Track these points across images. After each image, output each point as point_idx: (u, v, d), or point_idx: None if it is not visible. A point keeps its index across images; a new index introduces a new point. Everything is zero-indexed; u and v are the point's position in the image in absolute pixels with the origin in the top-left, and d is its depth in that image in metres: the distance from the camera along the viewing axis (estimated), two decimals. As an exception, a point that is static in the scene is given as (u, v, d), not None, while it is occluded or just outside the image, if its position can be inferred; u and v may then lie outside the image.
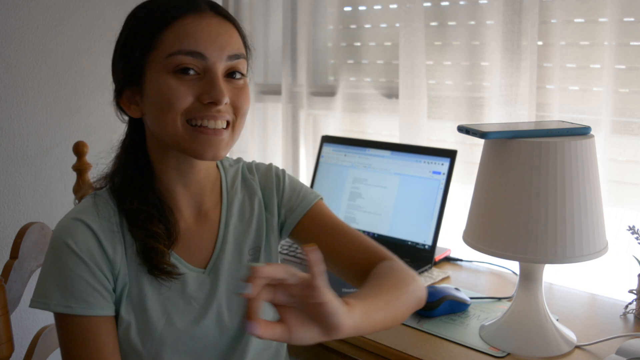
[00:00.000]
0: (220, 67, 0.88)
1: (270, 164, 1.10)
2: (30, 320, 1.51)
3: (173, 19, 0.87)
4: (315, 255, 0.68)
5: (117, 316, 0.91)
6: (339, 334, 0.72)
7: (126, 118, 0.96)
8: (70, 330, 0.87)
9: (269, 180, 1.06)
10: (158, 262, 0.90)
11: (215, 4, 0.92)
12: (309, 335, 0.71)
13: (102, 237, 0.89)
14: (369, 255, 0.99)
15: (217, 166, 1.04)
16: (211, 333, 0.94)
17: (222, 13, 0.91)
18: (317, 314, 0.70)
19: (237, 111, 0.91)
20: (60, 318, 0.88)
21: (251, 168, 1.08)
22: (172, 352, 0.91)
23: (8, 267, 1.05)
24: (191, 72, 0.87)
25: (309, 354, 1.27)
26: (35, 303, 0.88)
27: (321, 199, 1.06)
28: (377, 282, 0.89)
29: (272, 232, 1.04)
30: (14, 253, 1.06)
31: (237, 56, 0.90)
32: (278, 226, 1.05)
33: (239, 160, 1.09)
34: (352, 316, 0.74)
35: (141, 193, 0.93)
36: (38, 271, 1.12)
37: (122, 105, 0.93)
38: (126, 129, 0.98)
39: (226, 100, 0.87)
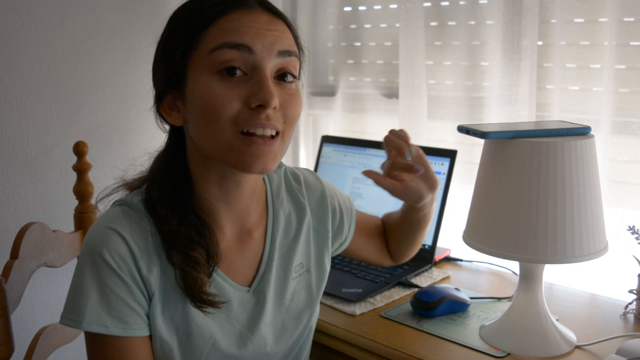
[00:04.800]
0: (270, 64, 0.80)
1: (317, 176, 1.06)
2: (30, 320, 1.51)
3: (218, 15, 0.79)
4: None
5: (152, 333, 0.85)
6: (437, 187, 1.04)
7: (167, 127, 0.89)
8: (105, 351, 0.81)
9: (322, 195, 1.03)
10: (199, 292, 0.83)
11: (266, 1, 0.84)
12: (419, 186, 1.01)
13: (137, 252, 0.82)
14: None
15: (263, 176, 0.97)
16: (256, 355, 0.91)
17: (272, 9, 0.84)
18: (424, 176, 1.02)
19: (288, 119, 0.82)
20: (93, 337, 0.82)
21: (297, 176, 1.02)
22: None
23: (8, 267, 1.05)
24: (237, 72, 0.78)
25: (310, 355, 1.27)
26: (67, 320, 0.81)
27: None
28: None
29: (327, 251, 1.02)
30: (14, 253, 1.06)
31: (288, 53, 0.82)
32: (332, 245, 1.04)
33: (280, 164, 1.00)
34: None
35: (180, 211, 0.84)
36: (38, 271, 1.12)
37: (162, 113, 0.85)
38: (166, 139, 0.90)
39: (275, 102, 0.78)
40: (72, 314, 0.81)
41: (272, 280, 0.93)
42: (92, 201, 1.29)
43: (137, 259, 0.82)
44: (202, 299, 0.83)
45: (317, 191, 1.03)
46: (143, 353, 0.83)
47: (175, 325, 0.85)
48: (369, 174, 0.97)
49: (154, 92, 0.85)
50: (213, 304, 0.84)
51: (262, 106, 0.78)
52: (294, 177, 1.01)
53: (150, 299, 0.83)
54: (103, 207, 0.90)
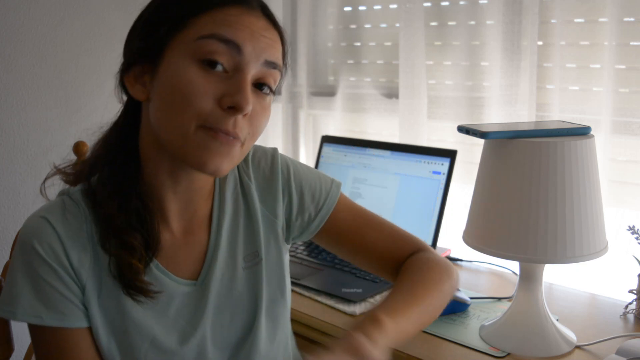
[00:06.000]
0: (253, 70, 0.76)
1: (273, 153, 0.94)
2: (30, 320, 1.50)
3: (216, 4, 0.76)
4: None
5: (91, 327, 0.81)
6: None
7: (125, 98, 0.84)
8: (44, 342, 0.79)
9: (271, 176, 0.92)
10: (132, 279, 0.79)
11: (268, 7, 0.81)
12: None
13: (68, 242, 0.79)
14: (400, 245, 0.94)
15: None
16: (200, 352, 0.85)
17: (271, 17, 0.81)
18: None
19: (253, 129, 0.78)
20: (32, 328, 0.80)
21: (247, 157, 0.92)
22: None
23: (8, 267, 1.05)
24: (219, 67, 0.74)
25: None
26: (1, 311, 0.78)
27: (340, 185, 0.96)
28: (410, 284, 0.86)
29: (275, 237, 0.92)
30: (14, 253, 1.06)
31: (274, 65, 0.78)
32: (286, 231, 0.93)
33: None
34: (382, 344, 0.75)
35: (122, 194, 0.80)
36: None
37: (125, 82, 0.80)
38: (120, 112, 0.85)
39: (249, 110, 0.74)
40: (6, 304, 0.78)
41: (217, 271, 0.86)
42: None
43: (67, 249, 0.78)
44: (134, 286, 0.79)
45: (266, 169, 0.92)
46: (83, 344, 0.80)
47: (111, 319, 0.81)
48: None
49: (122, 60, 0.81)
50: (146, 292, 0.80)
51: (234, 109, 0.74)
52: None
53: (83, 290, 0.80)
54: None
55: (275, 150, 0.95)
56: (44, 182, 0.88)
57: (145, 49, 0.78)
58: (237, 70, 0.75)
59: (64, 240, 0.79)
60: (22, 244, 0.79)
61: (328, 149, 1.72)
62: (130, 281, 0.79)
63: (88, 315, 0.81)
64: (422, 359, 1.06)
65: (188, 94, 0.73)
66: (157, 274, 0.83)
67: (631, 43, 1.35)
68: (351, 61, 1.89)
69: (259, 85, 0.78)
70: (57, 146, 1.60)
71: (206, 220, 0.88)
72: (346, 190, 1.64)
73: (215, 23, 0.75)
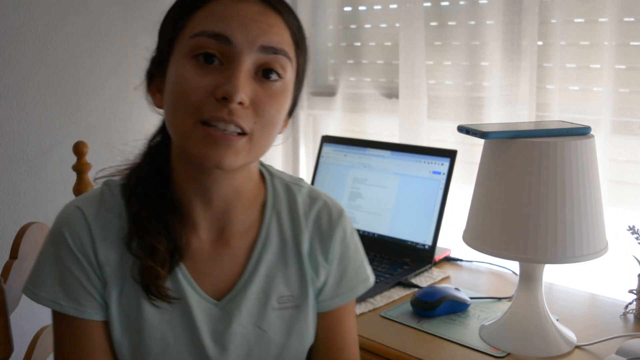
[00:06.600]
0: (248, 59, 0.73)
1: (338, 214, 0.89)
2: (30, 320, 1.50)
3: (205, 0, 0.75)
4: None
5: (110, 332, 0.82)
6: None
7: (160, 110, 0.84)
8: (61, 328, 0.82)
9: (329, 236, 0.88)
10: (151, 283, 0.79)
11: None
12: None
13: (97, 236, 0.80)
14: None
15: (265, 181, 0.89)
16: None
17: (270, 1, 0.77)
18: None
19: (260, 119, 0.75)
20: (53, 313, 0.82)
21: (314, 202, 0.89)
22: None
23: (8, 267, 1.05)
24: (215, 60, 0.73)
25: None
26: (26, 290, 0.81)
27: (368, 286, 0.92)
28: None
29: (312, 291, 0.88)
30: (14, 253, 1.06)
31: (274, 50, 0.75)
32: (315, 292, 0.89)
33: (301, 183, 0.91)
34: None
35: (151, 199, 0.81)
36: (38, 271, 1.13)
37: (150, 94, 0.82)
38: (159, 125, 0.86)
39: (241, 97, 0.72)
40: (31, 284, 0.81)
41: (245, 303, 0.83)
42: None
43: (95, 242, 0.80)
44: (153, 291, 0.79)
45: (325, 226, 0.88)
46: (97, 337, 0.81)
47: (127, 316, 0.81)
48: None
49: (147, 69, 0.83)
50: (164, 298, 0.79)
51: (226, 99, 0.72)
52: (310, 202, 0.89)
53: (105, 285, 0.81)
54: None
55: (341, 211, 0.91)
56: (103, 177, 0.88)
57: (157, 59, 0.80)
58: (230, 60, 0.73)
59: (94, 233, 0.80)
60: (54, 230, 0.81)
61: (328, 149, 1.72)
62: (150, 284, 0.79)
63: (107, 310, 0.81)
64: (422, 359, 1.06)
65: (184, 90, 0.73)
66: (182, 280, 0.82)
67: (631, 43, 1.35)
68: (351, 61, 1.89)
69: (266, 72, 0.75)
70: (57, 146, 1.60)
71: (244, 241, 0.86)
72: (346, 190, 1.64)
73: (205, 19, 0.74)
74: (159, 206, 0.81)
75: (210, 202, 0.82)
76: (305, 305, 0.87)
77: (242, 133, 0.74)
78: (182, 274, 0.82)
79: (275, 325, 0.86)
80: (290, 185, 0.90)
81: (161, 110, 0.81)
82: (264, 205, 0.87)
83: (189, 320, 0.82)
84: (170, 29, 0.77)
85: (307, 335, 0.89)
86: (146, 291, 0.79)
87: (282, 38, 0.76)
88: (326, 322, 0.90)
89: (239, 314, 0.83)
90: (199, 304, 0.83)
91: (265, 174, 0.90)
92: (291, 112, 0.85)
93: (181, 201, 0.82)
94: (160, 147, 0.85)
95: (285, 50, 0.76)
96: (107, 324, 0.82)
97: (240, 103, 0.72)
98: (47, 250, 0.81)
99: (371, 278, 0.93)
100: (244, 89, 0.72)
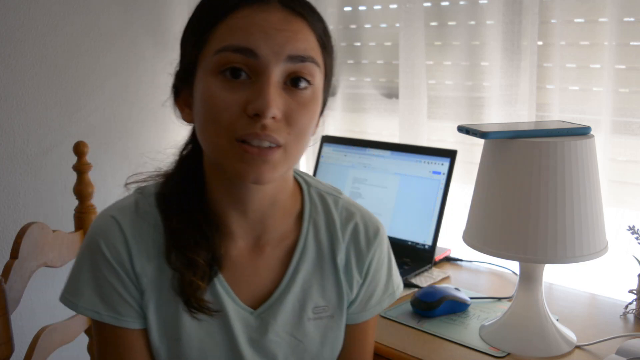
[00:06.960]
0: (277, 70, 0.71)
1: (376, 230, 0.89)
2: (30, 321, 1.50)
3: (228, 11, 0.72)
4: None
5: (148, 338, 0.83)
6: None
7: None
8: (102, 336, 0.82)
9: (366, 251, 0.88)
10: (192, 296, 0.79)
11: None
12: None
13: (133, 247, 0.80)
14: None
15: (302, 190, 0.88)
16: None
17: (291, 5, 0.74)
18: None
19: (293, 130, 0.73)
20: (93, 321, 0.82)
21: (351, 215, 0.89)
22: None
23: (8, 267, 1.05)
24: (242, 75, 0.71)
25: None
26: (65, 299, 0.81)
27: (393, 300, 0.93)
28: None
29: (346, 302, 0.88)
30: (14, 253, 1.06)
31: (301, 58, 0.73)
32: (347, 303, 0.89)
33: (337, 194, 0.91)
34: None
35: (187, 210, 0.80)
36: (38, 271, 1.12)
37: (177, 108, 0.81)
38: (189, 135, 0.85)
39: (273, 113, 0.70)
40: (70, 294, 0.81)
41: (281, 312, 0.84)
42: (92, 201, 1.29)
43: (132, 253, 0.80)
44: (193, 304, 0.79)
45: (363, 241, 0.88)
46: (137, 345, 0.82)
47: (165, 325, 0.82)
48: None
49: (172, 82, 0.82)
50: (204, 311, 0.80)
51: (259, 115, 0.70)
52: (347, 216, 0.89)
53: (142, 294, 0.81)
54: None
55: (378, 228, 0.90)
56: (136, 181, 0.87)
57: (183, 73, 0.78)
58: (258, 74, 0.71)
59: (130, 244, 0.80)
60: (90, 240, 0.81)
61: (328, 149, 1.72)
62: (190, 297, 0.79)
63: (145, 318, 0.82)
64: (422, 359, 1.06)
65: (215, 108, 0.72)
66: (220, 291, 0.82)
67: (631, 43, 1.35)
68: (351, 61, 1.89)
69: (295, 80, 0.73)
70: (57, 146, 1.60)
71: (281, 249, 0.86)
72: (346, 190, 1.64)
73: (228, 33, 0.72)
74: (196, 218, 0.80)
75: (245, 212, 0.82)
76: (340, 316, 0.88)
77: (277, 145, 0.73)
78: (220, 284, 0.82)
79: (310, 334, 0.86)
80: (326, 195, 0.90)
81: (182, 120, 0.81)
82: (300, 215, 0.87)
83: (227, 329, 0.82)
84: (193, 45, 0.75)
85: (339, 344, 0.90)
86: (187, 304, 0.79)
87: (309, 44, 0.75)
88: (351, 333, 0.91)
89: (274, 322, 0.84)
90: (237, 313, 0.83)
91: (301, 183, 0.90)
92: (321, 112, 0.84)
93: (216, 211, 0.82)
94: (191, 156, 0.84)
95: (313, 57, 0.75)
96: (146, 331, 0.83)
97: (273, 117, 0.71)
98: (84, 260, 0.81)
99: (397, 292, 0.93)
100: (276, 104, 0.71)
